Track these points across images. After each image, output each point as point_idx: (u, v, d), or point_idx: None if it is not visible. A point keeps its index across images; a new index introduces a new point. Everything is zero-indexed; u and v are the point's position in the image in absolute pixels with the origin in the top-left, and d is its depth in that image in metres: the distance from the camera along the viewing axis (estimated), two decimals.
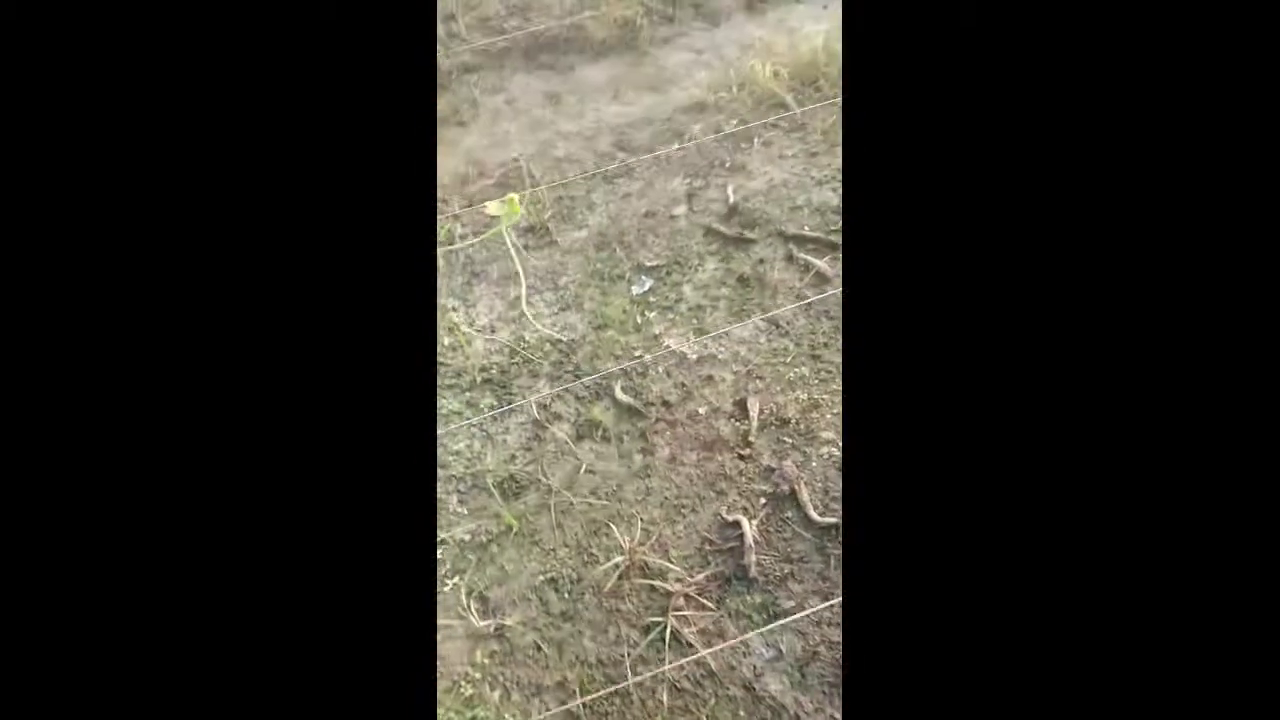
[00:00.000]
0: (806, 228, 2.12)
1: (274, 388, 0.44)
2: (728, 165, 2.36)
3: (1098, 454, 0.41)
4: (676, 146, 2.43)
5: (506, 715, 1.34)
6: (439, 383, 1.88)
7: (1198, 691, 0.38)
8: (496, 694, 1.36)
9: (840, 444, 1.66)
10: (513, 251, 2.11)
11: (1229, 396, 0.39)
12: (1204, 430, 0.39)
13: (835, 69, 2.52)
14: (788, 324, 1.91)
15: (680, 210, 2.25)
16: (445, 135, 2.67)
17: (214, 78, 0.45)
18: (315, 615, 0.44)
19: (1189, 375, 0.40)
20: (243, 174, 0.45)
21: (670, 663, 1.36)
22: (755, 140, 2.41)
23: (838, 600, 1.43)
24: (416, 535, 0.46)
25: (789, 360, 1.83)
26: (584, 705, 1.33)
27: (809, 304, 1.94)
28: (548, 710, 1.34)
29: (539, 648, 1.42)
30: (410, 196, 0.48)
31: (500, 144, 2.61)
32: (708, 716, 1.29)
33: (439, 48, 2.97)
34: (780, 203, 2.21)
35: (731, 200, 2.22)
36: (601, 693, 1.33)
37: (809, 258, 2.03)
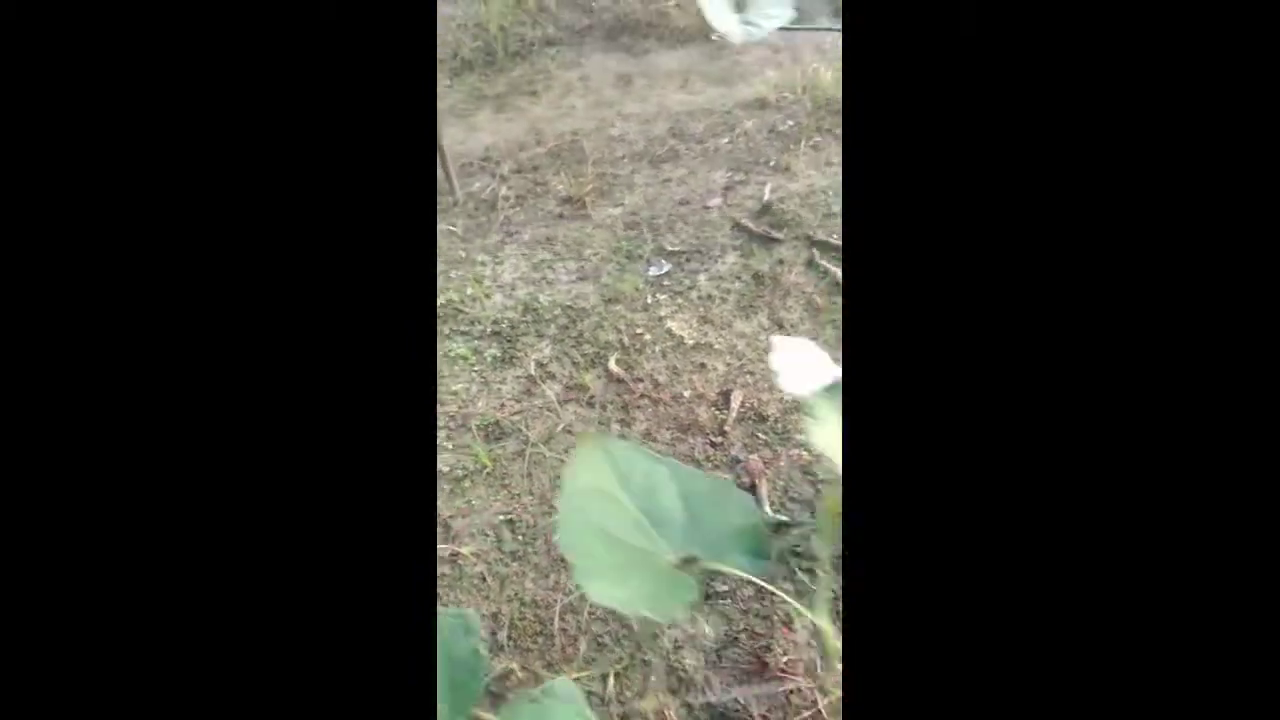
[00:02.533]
0: (834, 235, 2.12)
1: (273, 360, 0.44)
2: (772, 164, 2.38)
3: (1106, 464, 0.39)
4: (726, 140, 2.46)
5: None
6: (454, 329, 2.01)
7: (1198, 698, 0.37)
8: None
9: (809, 450, 1.67)
10: None
11: (1230, 395, 0.38)
12: (1210, 433, 0.38)
13: None
14: (792, 327, 1.93)
15: (715, 202, 2.29)
16: (515, 102, 2.80)
17: (208, 52, 0.44)
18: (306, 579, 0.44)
19: (1194, 372, 0.39)
20: (233, 143, 0.44)
21: (593, 616, 1.44)
22: (803, 143, 2.42)
23: (772, 590, 1.46)
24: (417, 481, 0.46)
25: None
26: (509, 639, 1.43)
27: (817, 310, 1.95)
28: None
29: (484, 579, 1.53)
30: (410, 163, 0.47)
31: (564, 116, 2.71)
32: (615, 675, 1.37)
33: (526, 18, 3.10)
34: (815, 208, 2.21)
35: (766, 199, 2.24)
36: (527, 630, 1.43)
37: (829, 265, 2.03)
